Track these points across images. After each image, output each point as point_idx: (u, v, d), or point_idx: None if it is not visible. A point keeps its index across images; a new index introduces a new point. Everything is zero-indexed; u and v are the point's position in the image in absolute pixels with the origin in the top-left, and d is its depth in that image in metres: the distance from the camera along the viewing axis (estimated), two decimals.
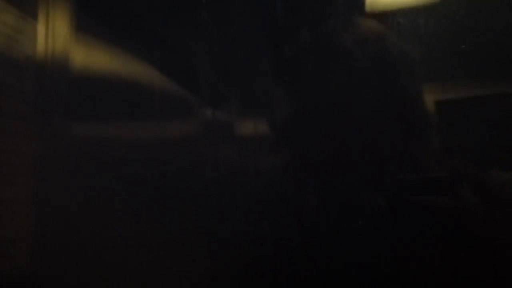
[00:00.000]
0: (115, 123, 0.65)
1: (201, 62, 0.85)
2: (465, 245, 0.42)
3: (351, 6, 0.88)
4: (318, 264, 0.48)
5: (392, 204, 0.45)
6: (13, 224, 0.45)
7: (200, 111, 0.94)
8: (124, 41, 0.64)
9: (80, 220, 0.55)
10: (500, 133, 0.94)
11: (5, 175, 0.44)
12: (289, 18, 0.92)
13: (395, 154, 0.48)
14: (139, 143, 0.71)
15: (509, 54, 1.02)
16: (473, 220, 0.42)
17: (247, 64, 0.89)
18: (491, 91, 1.03)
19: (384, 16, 1.02)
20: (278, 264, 0.52)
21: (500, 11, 1.01)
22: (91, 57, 0.57)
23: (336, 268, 0.47)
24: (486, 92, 1.03)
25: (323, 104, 0.49)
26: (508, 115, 0.91)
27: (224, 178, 0.92)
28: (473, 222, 0.42)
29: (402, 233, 0.45)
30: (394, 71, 0.47)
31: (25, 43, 0.47)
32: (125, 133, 0.67)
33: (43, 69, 0.48)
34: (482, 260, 0.42)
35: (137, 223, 0.67)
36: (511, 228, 0.41)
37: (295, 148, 0.53)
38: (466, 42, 1.07)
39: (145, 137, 0.72)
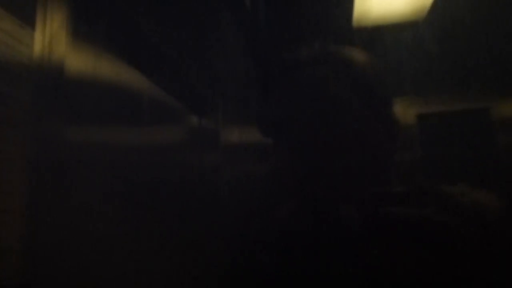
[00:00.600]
0: (109, 128, 0.65)
1: (192, 72, 0.86)
2: (430, 252, 0.45)
3: (340, 22, 0.91)
4: (295, 270, 0.50)
5: (365, 214, 0.48)
6: (4, 234, 0.45)
7: (188, 119, 0.95)
8: (119, 50, 0.65)
9: (72, 224, 0.55)
10: (469, 148, 0.97)
11: None
12: (277, 33, 0.94)
13: (369, 170, 0.51)
14: (130, 148, 0.71)
15: (487, 72, 1.06)
16: (436, 229, 0.45)
17: (236, 77, 0.91)
18: (466, 106, 1.07)
19: (371, 31, 1.05)
20: (257, 269, 0.54)
21: (481, 33, 1.05)
22: (86, 65, 0.58)
23: (312, 275, 0.49)
24: (461, 107, 1.07)
25: (303, 120, 0.51)
26: (479, 130, 0.95)
27: (209, 183, 0.93)
28: (436, 232, 0.45)
29: (374, 241, 0.47)
30: (370, 96, 0.50)
31: (22, 50, 0.48)
32: (117, 139, 0.67)
33: (39, 76, 0.49)
34: (445, 265, 0.45)
35: (126, 226, 0.68)
36: (472, 236, 0.45)
37: (277, 159, 0.55)
38: (449, 59, 1.11)
39: (135, 143, 0.73)
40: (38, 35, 0.49)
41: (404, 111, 1.01)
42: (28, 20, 0.48)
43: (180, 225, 0.80)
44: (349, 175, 0.50)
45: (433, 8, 1.05)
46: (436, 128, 1.08)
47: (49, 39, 0.50)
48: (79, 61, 0.56)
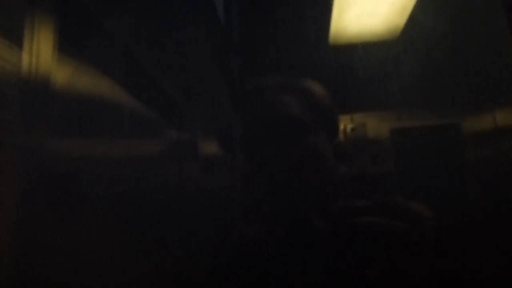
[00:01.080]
0: (92, 142, 0.68)
1: (170, 86, 0.89)
2: (390, 257, 0.51)
3: (316, 40, 0.95)
4: (269, 277, 0.54)
5: (332, 224, 0.53)
6: None
7: (167, 132, 0.98)
8: (103, 68, 0.68)
9: (57, 234, 0.58)
10: (441, 162, 1.02)
11: None
12: (251, 50, 0.98)
13: (323, 185, 0.57)
14: (110, 160, 0.74)
15: (458, 88, 1.11)
16: (394, 237, 0.51)
17: (213, 92, 0.94)
18: (438, 121, 1.12)
19: (347, 48, 1.10)
20: (233, 277, 0.58)
21: (453, 51, 1.10)
22: (72, 84, 0.61)
23: (286, 281, 0.53)
24: (433, 122, 1.12)
25: (265, 139, 0.57)
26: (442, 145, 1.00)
27: (188, 194, 0.96)
28: (394, 239, 0.51)
29: (341, 247, 0.53)
30: (323, 121, 0.57)
31: (10, 71, 0.50)
32: (100, 151, 0.70)
33: (25, 93, 0.51)
34: (404, 266, 0.51)
35: (107, 235, 0.70)
36: (423, 242, 0.51)
37: (244, 175, 0.60)
38: (422, 75, 1.16)
39: (116, 155, 0.75)
40: (25, 56, 0.51)
41: (378, 125, 1.05)
42: (16, 41, 0.51)
43: (159, 236, 0.83)
44: (307, 190, 0.55)
45: (406, 27, 1.10)
46: (409, 142, 1.13)
47: (36, 57, 0.53)
48: (64, 78, 0.59)
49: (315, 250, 0.54)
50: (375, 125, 1.05)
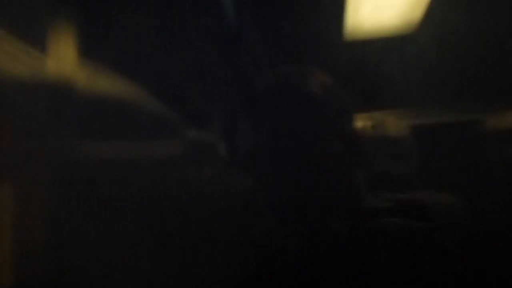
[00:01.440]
0: (115, 143, 0.68)
1: (190, 87, 0.89)
2: (411, 258, 0.49)
3: (332, 36, 0.93)
4: (285, 283, 0.53)
5: (351, 227, 0.52)
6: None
7: (187, 133, 0.98)
8: (125, 69, 0.68)
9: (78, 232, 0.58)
10: (462, 159, 0.99)
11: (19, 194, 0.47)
12: (264, 47, 0.96)
13: (351, 187, 0.55)
14: (130, 162, 0.74)
15: (478, 84, 1.08)
16: (415, 238, 0.50)
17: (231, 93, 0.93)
18: (459, 118, 1.09)
19: (362, 45, 1.07)
20: (246, 282, 0.57)
21: (474, 45, 1.07)
22: (94, 85, 0.61)
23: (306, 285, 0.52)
24: (454, 119, 1.09)
25: (285, 138, 0.55)
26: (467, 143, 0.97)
27: (208, 195, 0.95)
28: (415, 241, 0.50)
29: (360, 250, 0.51)
30: (327, 117, 0.55)
31: (37, 71, 0.51)
32: (121, 153, 0.70)
33: (52, 94, 0.52)
34: (421, 267, 0.49)
35: (126, 239, 0.70)
36: (446, 244, 0.49)
37: (261, 175, 0.59)
38: (442, 70, 1.13)
39: (137, 156, 0.75)
40: (51, 60, 0.52)
41: (397, 123, 1.03)
42: (41, 47, 0.52)
43: (178, 238, 0.82)
44: (320, 191, 0.53)
45: (424, 21, 1.08)
46: (430, 139, 1.10)
47: (60, 60, 0.54)
48: (88, 81, 0.59)
49: (335, 254, 0.52)
50: (394, 122, 1.03)
